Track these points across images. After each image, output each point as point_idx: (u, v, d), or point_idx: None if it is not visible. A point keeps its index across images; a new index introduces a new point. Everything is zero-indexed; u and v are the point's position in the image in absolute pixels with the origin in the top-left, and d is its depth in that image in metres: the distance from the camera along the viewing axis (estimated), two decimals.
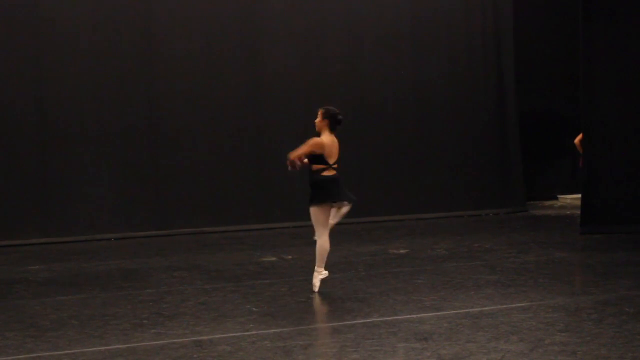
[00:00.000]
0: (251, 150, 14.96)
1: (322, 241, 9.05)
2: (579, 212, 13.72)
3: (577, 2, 13.50)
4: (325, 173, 8.98)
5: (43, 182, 13.75)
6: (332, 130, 9.01)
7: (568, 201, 18.08)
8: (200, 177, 14.60)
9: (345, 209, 9.21)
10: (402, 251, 11.97)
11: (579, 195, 13.87)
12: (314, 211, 9.05)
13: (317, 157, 8.93)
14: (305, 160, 8.99)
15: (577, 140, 14.81)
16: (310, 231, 14.13)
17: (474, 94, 16.56)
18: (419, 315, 7.91)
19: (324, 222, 9.03)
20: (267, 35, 15.08)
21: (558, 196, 18.36)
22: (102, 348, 7.07)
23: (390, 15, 15.91)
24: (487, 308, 8.13)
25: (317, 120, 9.05)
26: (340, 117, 9.06)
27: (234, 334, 7.41)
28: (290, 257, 11.59)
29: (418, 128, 16.09)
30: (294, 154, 8.84)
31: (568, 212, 16.48)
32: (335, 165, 9.01)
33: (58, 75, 13.82)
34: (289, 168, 8.94)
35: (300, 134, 15.09)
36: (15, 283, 10.25)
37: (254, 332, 7.47)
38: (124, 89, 14.18)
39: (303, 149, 8.88)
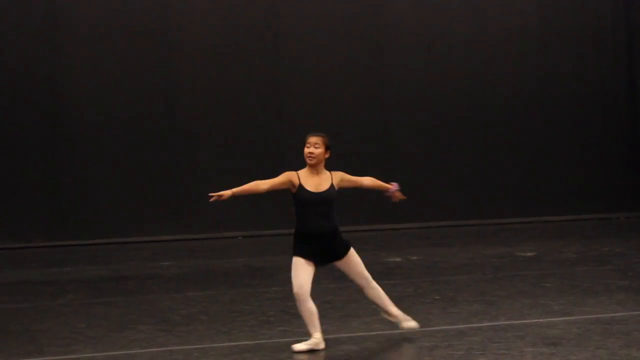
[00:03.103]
0: (378, 149, 14.97)
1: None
2: None
3: None
4: None
5: (173, 181, 14.17)
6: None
7: None
8: None
9: None
10: (529, 254, 11.77)
11: None
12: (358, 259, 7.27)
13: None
14: None
15: None
16: (431, 234, 14.09)
17: (603, 93, 16.12)
18: (547, 320, 7.77)
19: None
20: (390, 34, 15.06)
21: None
22: (231, 344, 7.21)
23: (517, 11, 15.63)
24: (618, 314, 7.92)
25: (319, 150, 7.25)
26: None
27: (360, 334, 7.44)
28: (415, 257, 11.56)
29: (545, 128, 15.77)
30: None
31: None
32: None
33: (187, 81, 14.24)
34: None
35: (424, 132, 15.13)
36: (147, 278, 10.56)
37: (379, 332, 7.48)
38: (253, 90, 14.43)
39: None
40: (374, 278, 10.01)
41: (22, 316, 8.53)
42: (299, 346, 6.95)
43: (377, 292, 7.27)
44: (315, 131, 7.42)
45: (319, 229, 7.01)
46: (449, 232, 14.33)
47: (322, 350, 6.91)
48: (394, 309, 7.26)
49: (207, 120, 14.29)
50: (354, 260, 7.19)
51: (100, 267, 11.59)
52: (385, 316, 7.35)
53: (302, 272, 6.96)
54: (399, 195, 7.55)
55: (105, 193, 13.87)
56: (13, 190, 13.74)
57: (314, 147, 7.22)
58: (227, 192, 7.05)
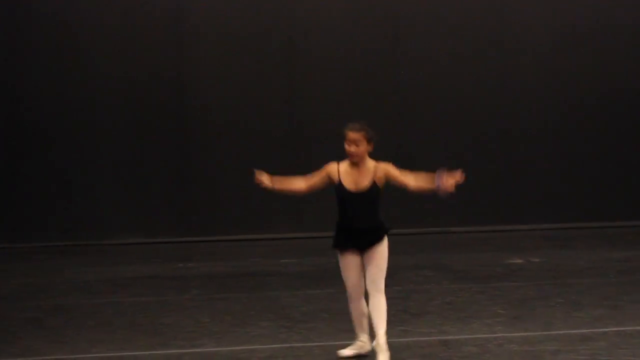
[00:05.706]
0: (498, 150, 14.77)
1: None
2: None
3: None
4: None
5: None
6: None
7: None
8: None
9: None
10: None
11: None
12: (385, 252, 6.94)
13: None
14: None
15: None
16: (555, 236, 13.83)
17: None
18: None
19: None
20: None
21: None
22: (351, 342, 7.25)
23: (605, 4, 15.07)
24: None
25: (361, 148, 6.63)
26: None
27: (481, 336, 7.39)
28: (537, 260, 11.37)
29: None
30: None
31: None
32: None
33: (307, 83, 14.44)
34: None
35: (548, 130, 14.84)
36: (269, 275, 10.73)
37: (500, 335, 7.41)
38: (373, 93, 14.52)
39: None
40: (494, 281, 9.95)
41: (149, 310, 8.80)
42: (344, 352, 6.86)
43: (380, 306, 6.77)
44: (353, 123, 6.72)
45: (356, 225, 6.80)
46: (573, 234, 14.02)
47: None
48: (382, 334, 6.66)
49: (325, 118, 14.40)
50: (378, 252, 6.88)
51: (223, 263, 11.83)
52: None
53: (352, 271, 6.84)
54: (448, 186, 6.49)
55: (230, 191, 14.18)
56: (141, 187, 14.17)
57: (355, 145, 6.61)
58: (266, 180, 6.67)
